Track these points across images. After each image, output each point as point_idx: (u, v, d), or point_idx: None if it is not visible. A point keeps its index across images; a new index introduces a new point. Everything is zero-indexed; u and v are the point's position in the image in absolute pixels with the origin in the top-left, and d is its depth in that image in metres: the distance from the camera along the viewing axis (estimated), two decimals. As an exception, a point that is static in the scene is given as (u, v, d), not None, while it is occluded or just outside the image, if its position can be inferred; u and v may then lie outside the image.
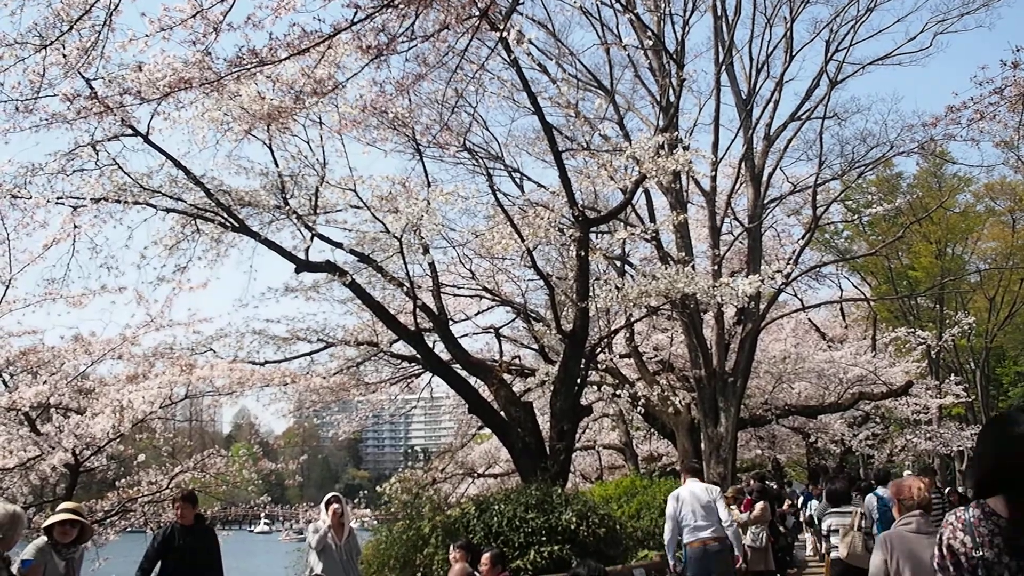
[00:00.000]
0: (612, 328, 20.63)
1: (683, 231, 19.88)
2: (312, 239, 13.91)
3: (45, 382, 13.88)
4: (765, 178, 21.71)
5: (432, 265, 15.80)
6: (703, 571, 9.63)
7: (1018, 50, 10.36)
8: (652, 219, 20.10)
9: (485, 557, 7.64)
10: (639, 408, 19.88)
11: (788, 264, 19.12)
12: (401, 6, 6.72)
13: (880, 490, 10.90)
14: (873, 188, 30.00)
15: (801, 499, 22.10)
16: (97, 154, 12.11)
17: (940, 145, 22.88)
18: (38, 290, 13.17)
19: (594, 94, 19.98)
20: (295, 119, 12.07)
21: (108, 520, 14.87)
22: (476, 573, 7.61)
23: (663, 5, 19.54)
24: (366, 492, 24.22)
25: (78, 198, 12.23)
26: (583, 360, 15.55)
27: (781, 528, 16.08)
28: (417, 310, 14.94)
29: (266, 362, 16.31)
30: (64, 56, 7.47)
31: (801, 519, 20.56)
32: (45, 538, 6.79)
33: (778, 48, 21.66)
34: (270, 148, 13.46)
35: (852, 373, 25.86)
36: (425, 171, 16.23)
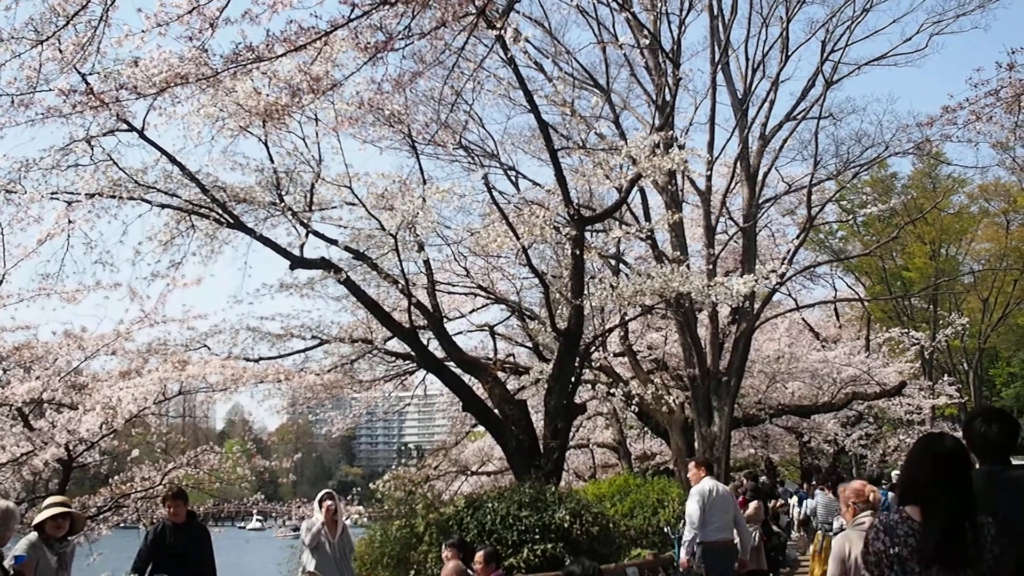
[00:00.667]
0: (606, 327, 20.61)
1: (678, 230, 19.89)
2: (307, 236, 13.90)
3: (38, 377, 13.86)
4: (760, 178, 21.74)
5: (427, 263, 15.79)
6: (725, 570, 9.78)
7: (1013, 52, 10.37)
8: (647, 218, 20.11)
9: (479, 555, 7.64)
10: (633, 407, 19.87)
11: (783, 264, 19.14)
12: (398, 3, 6.71)
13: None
14: (868, 188, 30.13)
15: (795, 498, 22.12)
16: (92, 149, 12.08)
17: (935, 146, 22.97)
18: (32, 285, 13.17)
19: (590, 93, 20.02)
20: (291, 116, 12.04)
21: (101, 516, 14.85)
22: (469, 571, 7.60)
23: (659, 4, 19.54)
24: (359, 489, 24.24)
25: (73, 193, 12.19)
26: (577, 358, 15.56)
27: (775, 527, 16.10)
28: (412, 307, 14.93)
29: (260, 359, 16.30)
30: (60, 51, 7.46)
31: (792, 517, 20.56)
32: (36, 534, 6.78)
33: (774, 48, 21.69)
34: (266, 144, 13.44)
35: (846, 373, 25.90)
36: (421, 168, 16.23)
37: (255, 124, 12.58)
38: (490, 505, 11.46)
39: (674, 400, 20.16)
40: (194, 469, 15.99)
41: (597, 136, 19.73)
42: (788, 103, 22.33)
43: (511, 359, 21.03)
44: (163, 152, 12.52)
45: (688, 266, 17.35)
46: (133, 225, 12.93)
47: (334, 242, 14.39)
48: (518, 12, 16.74)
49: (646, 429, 24.81)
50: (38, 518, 6.92)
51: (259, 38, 7.02)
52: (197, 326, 15.81)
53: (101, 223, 12.61)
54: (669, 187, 19.68)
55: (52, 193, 12.04)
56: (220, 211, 13.09)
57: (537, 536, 10.90)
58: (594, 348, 19.27)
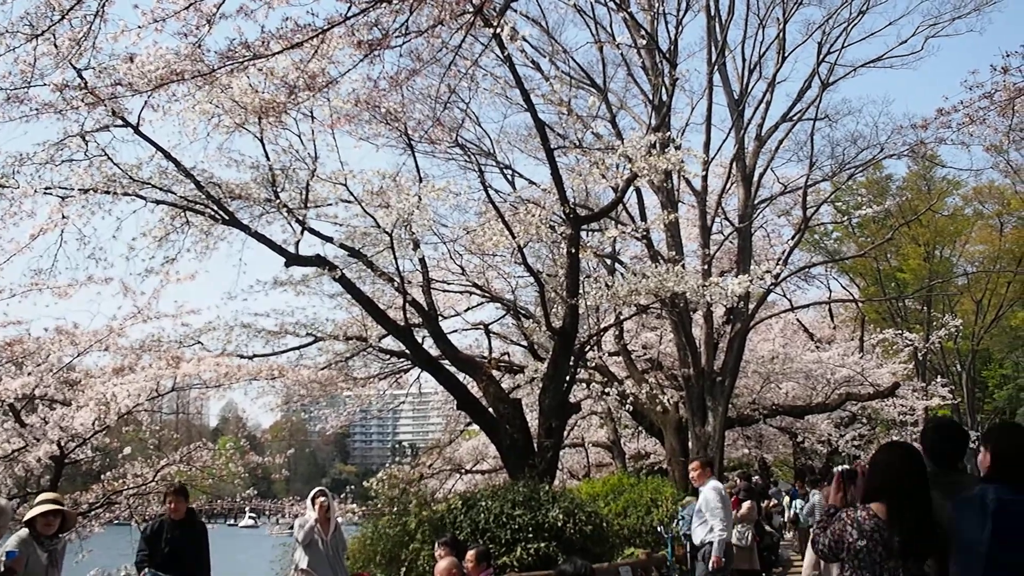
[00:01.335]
0: (601, 326, 20.65)
1: (673, 230, 19.90)
2: (302, 233, 13.87)
3: (30, 373, 13.83)
4: (756, 178, 21.76)
5: (422, 261, 15.79)
6: (726, 569, 10.09)
7: (1008, 55, 10.39)
8: (643, 218, 20.12)
9: (470, 554, 7.64)
10: (627, 406, 19.92)
11: (777, 264, 19.13)
12: (395, 1, 6.70)
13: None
14: (863, 190, 30.09)
15: (787, 498, 22.13)
16: (86, 144, 12.03)
17: (930, 148, 22.92)
18: (24, 280, 13.09)
19: (587, 92, 20.01)
20: (287, 113, 12.02)
21: (93, 512, 14.81)
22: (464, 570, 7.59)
23: (657, 4, 19.53)
24: (353, 487, 24.14)
25: (66, 188, 12.15)
26: (572, 357, 15.56)
27: (767, 527, 16.13)
28: (407, 305, 14.92)
29: (254, 355, 16.26)
30: (55, 46, 7.43)
31: (785, 518, 20.58)
32: (27, 530, 6.76)
33: (770, 49, 21.72)
34: (261, 141, 13.39)
35: (839, 374, 25.94)
36: (417, 166, 16.22)
37: (251, 121, 12.55)
38: (484, 503, 11.45)
39: (668, 400, 20.19)
40: (187, 466, 15.97)
41: (593, 135, 19.73)
42: (784, 104, 22.39)
43: (506, 358, 21.04)
44: (158, 148, 12.48)
45: (683, 266, 17.36)
46: (127, 221, 12.98)
47: (329, 239, 14.37)
48: (515, 10, 16.70)
49: (640, 429, 24.85)
50: (29, 514, 6.91)
51: (255, 35, 7.00)
52: (191, 322, 15.79)
53: (95, 219, 12.54)
54: (665, 187, 19.70)
55: (46, 188, 12.00)
56: (215, 207, 13.05)
57: (530, 535, 10.90)
58: (589, 347, 19.30)
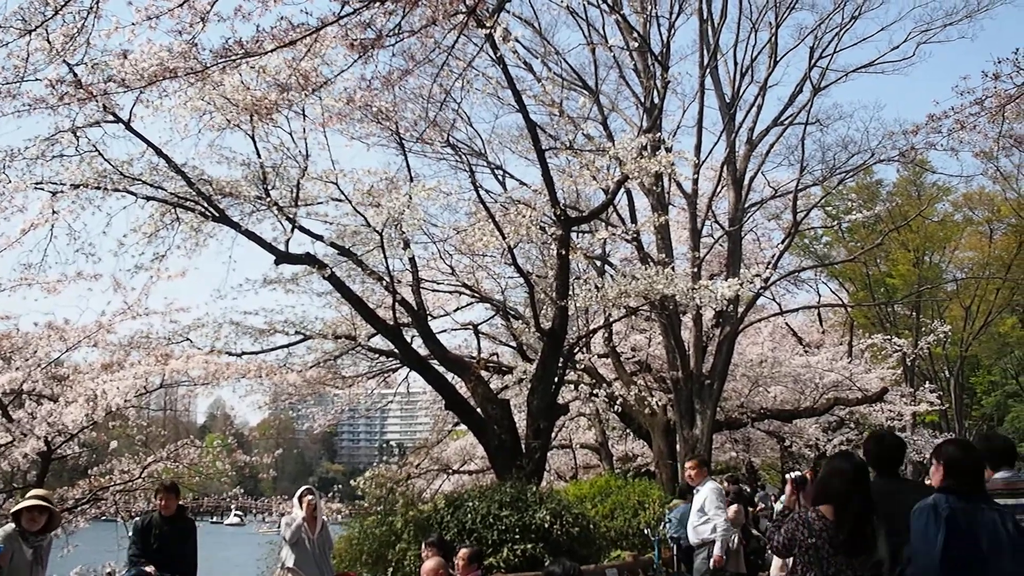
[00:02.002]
0: (591, 327, 20.67)
1: (664, 232, 19.94)
2: (292, 231, 13.85)
3: (18, 368, 13.78)
4: (746, 182, 21.79)
5: (412, 260, 15.78)
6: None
7: (999, 62, 10.46)
8: (633, 220, 20.13)
9: (463, 553, 7.62)
10: (615, 408, 19.94)
11: (767, 268, 19.17)
12: (389, 1, 6.70)
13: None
14: (853, 195, 30.21)
15: (775, 502, 22.15)
16: (78, 140, 12.00)
17: (920, 154, 23.07)
18: (14, 275, 13.05)
19: (578, 93, 19.99)
20: (279, 111, 12.01)
21: (79, 508, 14.76)
22: (451, 570, 7.59)
23: (649, 7, 19.58)
24: (340, 486, 24.14)
25: (57, 183, 12.12)
26: (561, 359, 15.58)
27: (754, 531, 16.14)
28: (396, 305, 14.91)
29: (243, 353, 16.21)
30: (48, 42, 7.41)
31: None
32: (13, 525, 6.74)
33: (763, 53, 21.76)
34: (253, 139, 13.37)
35: (828, 378, 25.97)
36: (408, 166, 16.22)
37: (243, 119, 12.53)
38: (471, 504, 11.46)
39: (657, 402, 20.22)
40: (174, 463, 15.92)
41: (585, 137, 19.72)
42: (776, 108, 22.33)
43: (495, 358, 21.03)
44: (149, 144, 12.45)
45: (673, 268, 17.38)
46: (117, 217, 12.92)
47: (319, 238, 14.36)
48: (508, 12, 16.81)
49: (628, 431, 24.84)
50: (15, 508, 6.90)
51: (249, 33, 7.00)
52: (180, 319, 15.72)
53: (85, 214, 12.54)
54: (655, 189, 19.73)
55: (36, 183, 11.97)
56: (205, 204, 13.02)
57: (517, 536, 10.91)
58: (578, 349, 19.30)
